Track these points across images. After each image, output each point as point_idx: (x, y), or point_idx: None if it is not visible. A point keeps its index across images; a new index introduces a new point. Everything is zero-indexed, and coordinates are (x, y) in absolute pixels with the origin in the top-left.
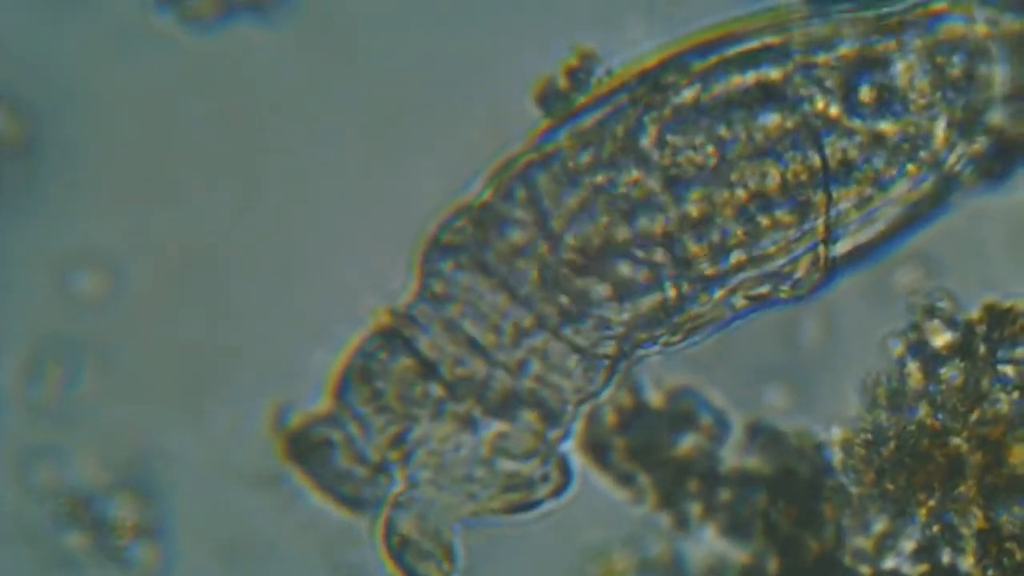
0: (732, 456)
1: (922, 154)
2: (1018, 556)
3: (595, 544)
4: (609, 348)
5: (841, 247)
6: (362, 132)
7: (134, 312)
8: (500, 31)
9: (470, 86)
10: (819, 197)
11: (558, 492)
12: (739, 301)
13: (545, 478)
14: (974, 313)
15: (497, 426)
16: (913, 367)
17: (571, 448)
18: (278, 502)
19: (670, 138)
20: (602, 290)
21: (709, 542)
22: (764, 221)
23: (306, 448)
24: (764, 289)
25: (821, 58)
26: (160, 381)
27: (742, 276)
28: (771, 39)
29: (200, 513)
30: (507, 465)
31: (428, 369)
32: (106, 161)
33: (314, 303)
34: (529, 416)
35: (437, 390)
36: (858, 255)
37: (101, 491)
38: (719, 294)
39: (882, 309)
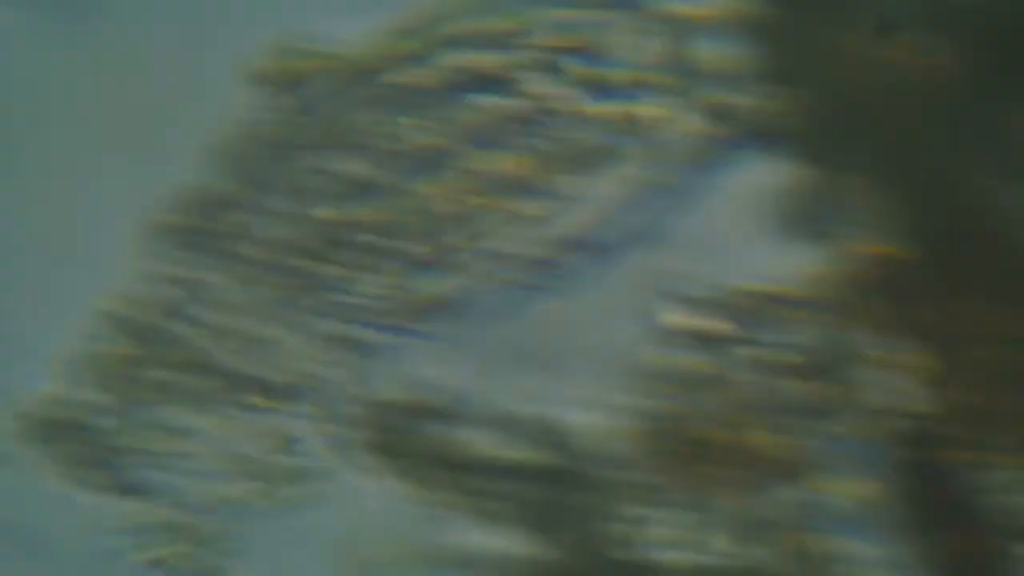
0: (494, 447)
1: (658, 140)
2: (779, 541)
3: (360, 530)
4: (354, 334)
5: (582, 234)
6: (87, 114)
7: None
8: (219, 8)
9: (186, 68)
10: (554, 183)
11: (308, 483)
12: (479, 286)
13: (290, 467)
14: (724, 297)
15: (239, 413)
16: (668, 353)
17: (317, 436)
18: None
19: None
20: (339, 276)
21: (480, 537)
22: (494, 205)
23: (48, 434)
24: (503, 275)
25: (550, 41)
26: None
27: (481, 263)
28: (490, 25)
29: None
30: (252, 454)
31: (167, 355)
32: None
33: (54, 286)
34: (272, 404)
35: (178, 377)
36: (599, 243)
37: None
38: (458, 280)
39: (634, 295)
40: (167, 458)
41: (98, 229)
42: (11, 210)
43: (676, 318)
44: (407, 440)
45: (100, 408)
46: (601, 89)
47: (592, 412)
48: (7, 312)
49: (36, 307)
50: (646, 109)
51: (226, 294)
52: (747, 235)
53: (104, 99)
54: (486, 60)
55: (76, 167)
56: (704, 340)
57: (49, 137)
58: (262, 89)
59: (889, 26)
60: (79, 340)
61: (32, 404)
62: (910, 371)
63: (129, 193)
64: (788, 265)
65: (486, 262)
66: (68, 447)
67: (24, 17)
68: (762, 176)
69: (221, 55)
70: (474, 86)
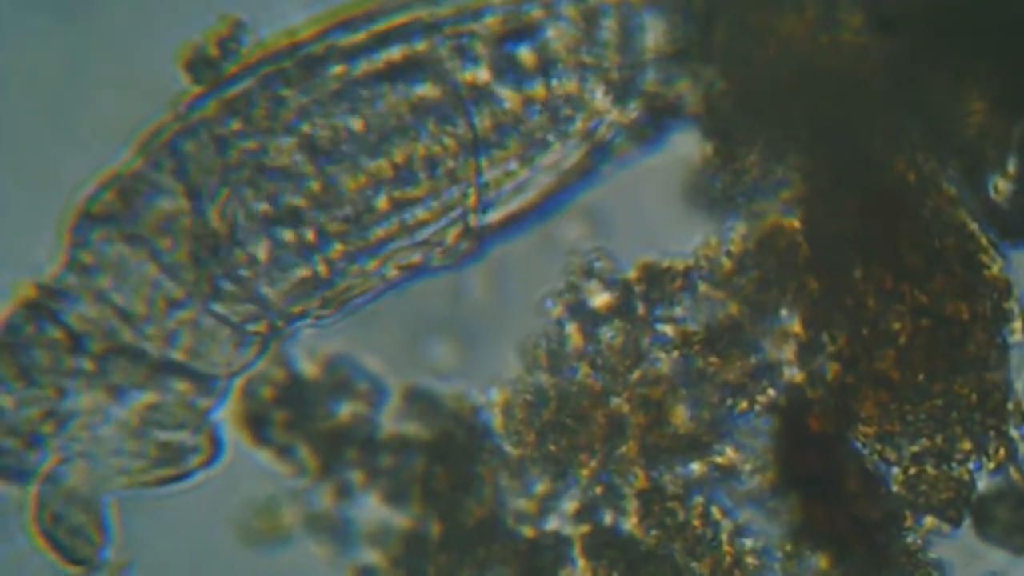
0: (390, 422)
1: (574, 122)
2: (680, 516)
3: (258, 503)
4: (260, 325)
5: (492, 215)
6: (13, 96)
7: None
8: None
9: (122, 51)
10: (468, 166)
11: (209, 462)
12: (391, 271)
13: (195, 449)
14: (632, 273)
15: (146, 397)
16: (572, 328)
17: (222, 418)
18: None
19: (320, 112)
20: (249, 263)
21: (372, 508)
22: (413, 191)
23: None
24: (415, 258)
25: (469, 27)
26: None
27: (393, 246)
28: (420, 11)
29: None
30: (158, 436)
31: (76, 341)
32: None
33: None
34: (180, 387)
35: (87, 362)
36: (511, 223)
37: None
38: (371, 265)
39: (547, 269)
40: (73, 442)
41: (16, 214)
42: None
43: (593, 294)
44: (310, 416)
45: (10, 394)
46: (526, 70)
47: (501, 387)
48: None
49: None
50: (570, 88)
51: (143, 278)
52: (664, 210)
53: (33, 76)
54: (416, 45)
55: None
56: (622, 316)
57: None
58: (194, 72)
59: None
60: None
61: None
62: (810, 342)
63: (50, 178)
64: (702, 239)
65: (407, 243)
66: None
67: None
68: (681, 152)
69: (151, 38)
70: (404, 72)
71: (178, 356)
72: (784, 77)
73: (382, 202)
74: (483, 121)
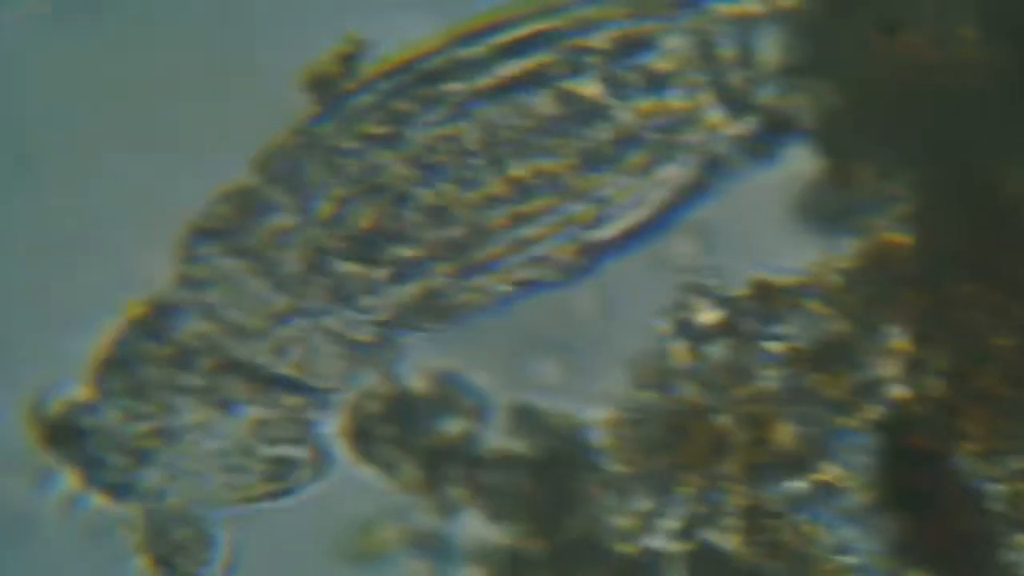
0: (495, 439)
1: (689, 136)
2: (783, 533)
3: (360, 519)
4: (369, 335)
5: (606, 232)
6: (128, 117)
7: None
8: (273, 13)
9: (238, 71)
10: (584, 181)
11: (315, 477)
12: (504, 286)
13: (302, 464)
14: (740, 290)
15: (255, 412)
16: (679, 345)
17: (331, 433)
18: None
19: (437, 128)
20: (365, 276)
21: (474, 526)
22: (529, 207)
23: (65, 436)
24: (528, 274)
25: (589, 41)
26: None
27: (507, 262)
28: (541, 24)
29: None
30: (265, 451)
31: (188, 356)
32: None
33: (78, 289)
34: (289, 401)
35: (196, 378)
36: (626, 238)
37: None
38: (484, 280)
39: (657, 286)
40: (181, 457)
41: (129, 229)
42: (41, 211)
43: (702, 311)
44: (415, 432)
45: (120, 410)
46: (641, 85)
47: (607, 405)
48: (33, 312)
49: (64, 309)
50: (683, 104)
51: (254, 293)
52: (775, 226)
53: (144, 98)
54: (535, 60)
55: (108, 167)
56: (729, 333)
57: (81, 137)
58: (314, 91)
59: (893, 24)
60: (106, 342)
61: (53, 407)
62: (920, 359)
63: (164, 193)
64: (814, 256)
65: (521, 258)
66: (83, 449)
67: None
68: (792, 168)
69: (272, 56)
70: (522, 86)
71: (287, 371)
72: (899, 93)
73: (498, 218)
74: (598, 136)
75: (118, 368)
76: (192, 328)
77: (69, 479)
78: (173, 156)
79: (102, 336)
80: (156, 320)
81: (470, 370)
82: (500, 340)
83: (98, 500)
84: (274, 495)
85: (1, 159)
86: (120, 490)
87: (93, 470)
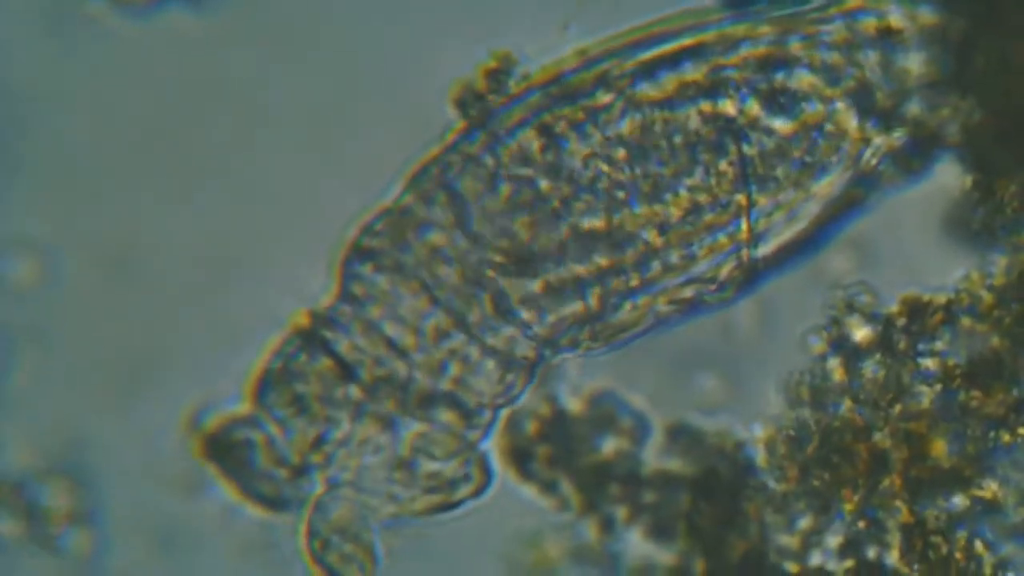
0: (654, 458)
1: (840, 151)
2: (943, 549)
3: (523, 535)
4: (528, 352)
5: (764, 248)
6: (287, 130)
7: (66, 301)
8: (422, 31)
9: (392, 86)
10: (740, 198)
11: (479, 492)
12: (663, 308)
13: (466, 478)
14: (893, 307)
15: (416, 427)
16: (834, 363)
17: (490, 448)
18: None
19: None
20: (523, 294)
21: (636, 544)
22: (688, 227)
23: (224, 449)
24: (688, 293)
25: (735, 59)
26: (91, 371)
27: (666, 283)
28: (688, 40)
29: (130, 503)
30: (427, 466)
31: (347, 371)
32: (37, 149)
33: (240, 304)
34: (448, 417)
35: (356, 392)
36: (783, 255)
37: (33, 478)
38: (643, 300)
39: (813, 302)
40: (341, 471)
41: (289, 244)
42: (206, 226)
43: (856, 328)
44: (573, 451)
45: (279, 423)
46: (786, 103)
47: (764, 423)
48: (194, 327)
49: (226, 324)
50: (832, 119)
51: (413, 309)
52: (927, 241)
53: (306, 112)
54: (681, 77)
55: (268, 184)
56: (884, 350)
57: (238, 154)
58: (466, 108)
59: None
60: (266, 356)
61: (212, 421)
62: None
63: (324, 208)
64: (964, 272)
65: (679, 280)
66: (242, 462)
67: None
68: (944, 182)
69: (424, 76)
70: (670, 105)
71: (446, 386)
72: None
73: (657, 239)
74: (752, 154)
75: (277, 382)
76: (352, 342)
77: (228, 491)
78: (329, 173)
79: (262, 351)
80: (317, 333)
81: (627, 390)
82: (657, 359)
83: (256, 512)
84: (435, 510)
85: (164, 175)
86: (277, 502)
87: (251, 483)
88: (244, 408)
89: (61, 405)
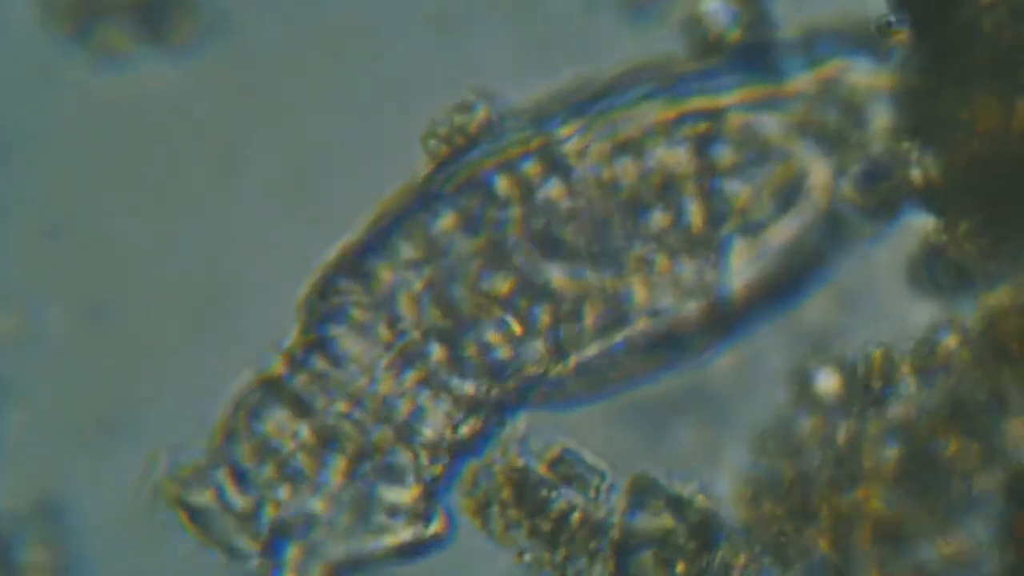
0: (617, 513)
1: (804, 200)
2: None
3: None
4: (487, 393)
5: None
6: (265, 174)
7: (46, 353)
8: (397, 77)
9: (367, 132)
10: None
11: (437, 537)
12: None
13: (424, 518)
14: (861, 358)
15: (376, 469)
16: (804, 417)
17: (452, 499)
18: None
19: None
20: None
21: None
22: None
23: (186, 509)
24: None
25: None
26: (71, 423)
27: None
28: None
29: (111, 556)
30: (385, 499)
31: (303, 408)
32: (14, 200)
33: (222, 348)
34: (407, 456)
35: (311, 436)
36: (749, 298)
37: (13, 533)
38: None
39: (788, 353)
40: (307, 521)
41: (261, 289)
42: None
43: (828, 379)
44: (537, 505)
45: (247, 474)
46: (759, 153)
47: (733, 475)
48: (159, 372)
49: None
50: (806, 170)
51: (373, 359)
52: (901, 290)
53: (281, 159)
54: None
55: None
56: (844, 402)
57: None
58: (433, 150)
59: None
60: (228, 406)
61: (182, 471)
62: None
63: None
64: (935, 319)
65: (646, 319)
66: (214, 519)
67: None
68: (915, 232)
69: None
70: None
71: (416, 436)
72: (1007, 157)
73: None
74: (728, 199)
75: (238, 435)
76: (312, 392)
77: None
78: (303, 221)
79: (228, 398)
80: (279, 384)
81: (592, 446)
82: (625, 416)
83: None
84: (395, 553)
85: (141, 223)
86: (245, 555)
87: (214, 539)
88: (205, 460)
89: (39, 457)
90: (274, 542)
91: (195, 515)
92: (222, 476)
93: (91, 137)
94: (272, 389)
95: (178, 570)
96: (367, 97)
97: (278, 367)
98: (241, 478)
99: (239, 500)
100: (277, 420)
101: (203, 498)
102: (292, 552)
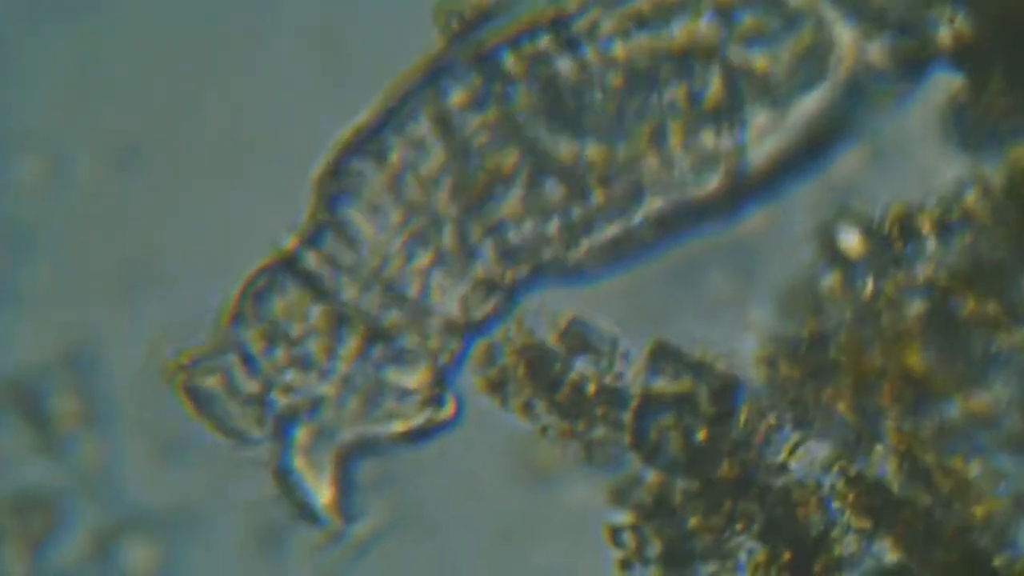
0: (637, 379)
1: (832, 65)
2: (935, 462)
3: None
4: (498, 274)
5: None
6: (298, 30)
7: (73, 197)
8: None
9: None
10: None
11: (446, 418)
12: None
13: (436, 401)
14: (887, 215)
15: (386, 349)
16: (827, 272)
17: (468, 384)
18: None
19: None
20: (508, 206)
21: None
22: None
23: (192, 392)
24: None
25: None
26: (97, 268)
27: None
28: None
29: (137, 407)
30: (395, 381)
31: (319, 289)
32: (44, 50)
33: (250, 204)
34: (419, 340)
35: (326, 317)
36: (772, 172)
37: (39, 379)
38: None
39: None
40: (316, 404)
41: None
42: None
43: (851, 239)
44: (559, 376)
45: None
46: (786, 18)
47: (755, 337)
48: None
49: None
50: (831, 32)
51: (385, 240)
52: (925, 149)
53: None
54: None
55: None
56: (869, 258)
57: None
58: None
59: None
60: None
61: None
62: None
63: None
64: (960, 176)
65: (659, 193)
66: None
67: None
68: (944, 91)
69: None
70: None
71: (423, 317)
72: None
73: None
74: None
75: (247, 315)
76: (322, 257)
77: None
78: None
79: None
80: (289, 261)
81: (608, 315)
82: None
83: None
84: (404, 434)
85: (175, 73)
86: (239, 434)
87: (220, 421)
88: (211, 344)
89: (65, 304)
90: (283, 426)
91: (201, 401)
92: (230, 361)
93: None
94: (282, 269)
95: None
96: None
97: (289, 246)
98: (249, 362)
99: (247, 385)
100: (287, 302)
101: (209, 383)
102: (301, 435)
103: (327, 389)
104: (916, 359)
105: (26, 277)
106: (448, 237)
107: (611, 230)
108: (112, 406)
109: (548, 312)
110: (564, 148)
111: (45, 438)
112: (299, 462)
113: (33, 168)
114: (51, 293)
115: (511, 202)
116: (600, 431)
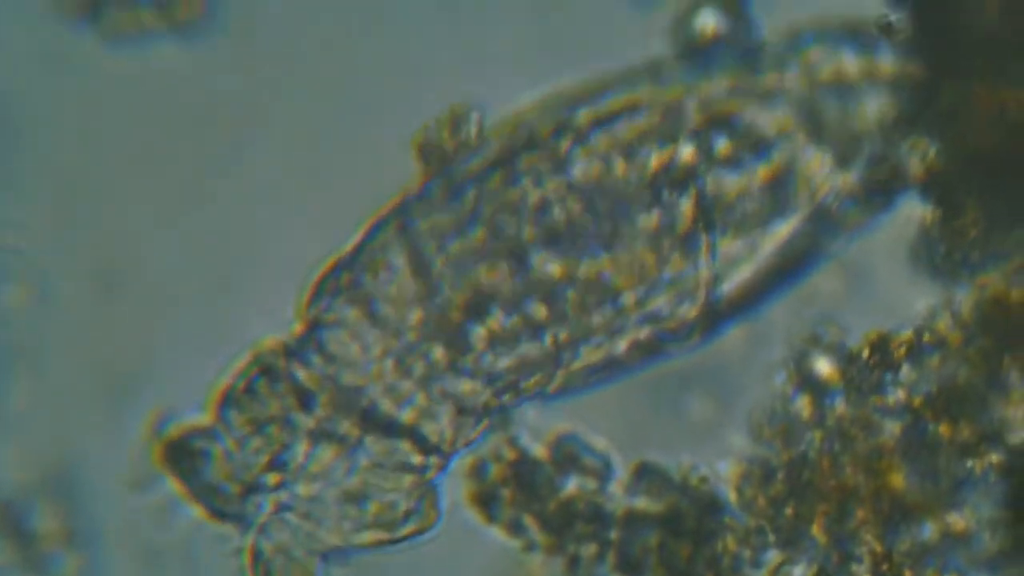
0: (620, 497)
1: (802, 194)
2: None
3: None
4: (484, 398)
5: (725, 288)
6: (274, 152)
7: (57, 321)
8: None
9: (374, 119)
10: (702, 242)
11: (424, 530)
12: (623, 351)
13: (414, 513)
14: (859, 341)
15: (372, 458)
16: (800, 398)
17: (441, 486)
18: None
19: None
20: (481, 337)
21: None
22: (647, 271)
23: (181, 455)
24: (645, 335)
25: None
26: (81, 389)
27: (624, 324)
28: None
29: (119, 523)
30: (377, 498)
31: (305, 400)
32: (31, 174)
33: (224, 320)
34: (405, 447)
35: (312, 420)
36: (744, 298)
37: (24, 499)
38: (600, 346)
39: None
40: (291, 497)
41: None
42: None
43: (821, 365)
44: (538, 493)
45: (236, 440)
46: (755, 148)
47: (730, 459)
48: (168, 339)
49: (198, 340)
50: (800, 163)
51: (371, 343)
52: (895, 277)
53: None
54: (635, 127)
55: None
56: (842, 384)
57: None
58: (424, 157)
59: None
60: (231, 374)
61: (172, 429)
62: None
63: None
64: (932, 304)
65: (645, 320)
66: (201, 475)
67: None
68: (909, 220)
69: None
70: (629, 151)
71: (406, 418)
72: (1004, 148)
73: (617, 282)
74: (711, 192)
75: (238, 401)
76: (311, 373)
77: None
78: (311, 201)
79: (229, 368)
80: (279, 362)
81: (590, 433)
82: (622, 401)
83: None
84: (382, 543)
85: (153, 197)
86: (226, 516)
87: (202, 491)
88: (204, 420)
89: (50, 424)
90: (260, 513)
91: (186, 470)
92: (219, 439)
93: (103, 113)
94: (276, 367)
95: (184, 536)
96: (375, 77)
97: (280, 355)
98: (237, 444)
99: (232, 464)
100: (279, 396)
101: (197, 455)
102: (278, 531)
103: (310, 488)
104: (893, 478)
105: (11, 399)
106: (435, 357)
107: (594, 356)
108: (96, 524)
109: (537, 427)
110: (550, 269)
111: (29, 556)
112: (277, 561)
113: (17, 290)
114: (33, 413)
115: (492, 326)
116: (586, 548)
